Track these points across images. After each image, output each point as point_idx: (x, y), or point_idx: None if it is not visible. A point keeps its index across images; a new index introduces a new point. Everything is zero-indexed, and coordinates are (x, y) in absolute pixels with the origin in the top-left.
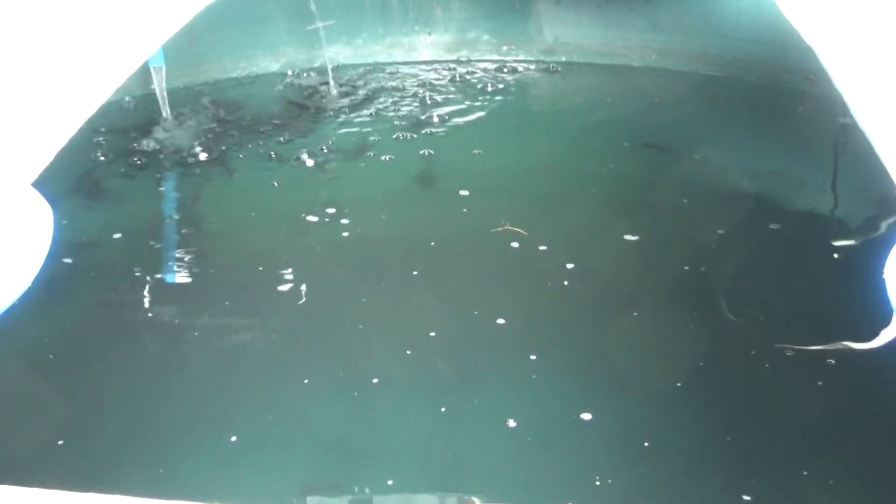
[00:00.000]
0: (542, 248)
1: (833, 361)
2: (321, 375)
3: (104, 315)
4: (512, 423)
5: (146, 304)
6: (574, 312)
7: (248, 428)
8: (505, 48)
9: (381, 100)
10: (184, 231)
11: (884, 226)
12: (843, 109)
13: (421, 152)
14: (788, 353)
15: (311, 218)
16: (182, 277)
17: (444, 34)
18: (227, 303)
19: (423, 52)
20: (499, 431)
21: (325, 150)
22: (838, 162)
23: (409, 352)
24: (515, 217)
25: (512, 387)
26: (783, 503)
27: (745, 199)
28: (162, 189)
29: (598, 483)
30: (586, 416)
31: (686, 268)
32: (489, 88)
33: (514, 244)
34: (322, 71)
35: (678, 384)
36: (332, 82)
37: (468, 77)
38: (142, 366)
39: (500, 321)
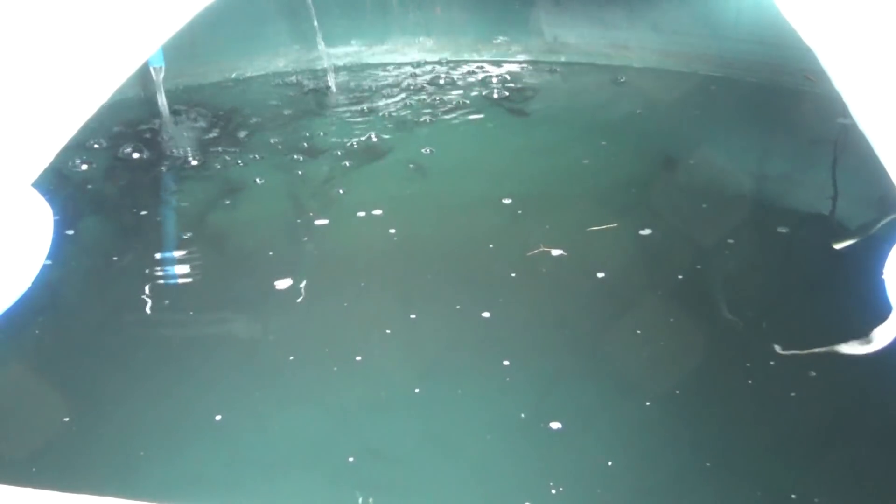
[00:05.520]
0: (549, 248)
1: (830, 362)
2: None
3: (104, 315)
4: (503, 422)
5: (146, 303)
6: (574, 313)
7: (249, 427)
8: (505, 48)
9: (382, 99)
10: (183, 229)
11: (884, 226)
12: (843, 110)
13: (422, 150)
14: (785, 355)
15: (319, 221)
16: (182, 276)
17: (445, 34)
18: (228, 302)
19: (423, 52)
20: (485, 430)
21: (325, 150)
22: (838, 162)
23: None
24: (511, 215)
25: (495, 388)
26: None
27: (745, 200)
28: (161, 188)
29: (594, 484)
30: (581, 418)
31: (686, 268)
32: (489, 88)
33: (524, 244)
34: (322, 71)
35: (678, 384)
36: (332, 82)
37: (469, 77)
38: (141, 365)
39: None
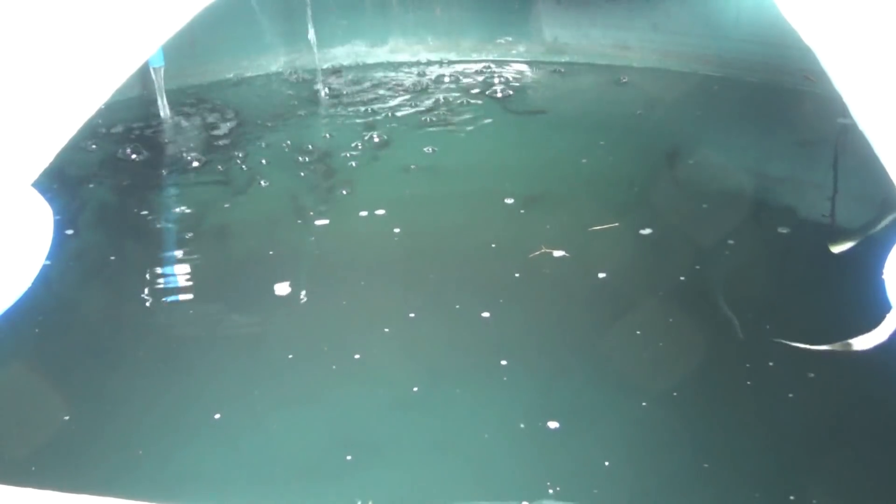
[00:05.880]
0: (550, 249)
1: (829, 363)
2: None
3: (104, 315)
4: (501, 421)
5: (146, 303)
6: (574, 312)
7: (248, 426)
8: (506, 49)
9: (384, 100)
10: (184, 229)
11: (884, 226)
12: (843, 110)
13: (425, 150)
14: (784, 356)
15: (321, 222)
16: (182, 276)
17: (446, 35)
18: (228, 302)
19: (424, 52)
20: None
21: (327, 151)
22: (838, 162)
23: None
24: (513, 214)
25: (493, 388)
26: None
27: (744, 200)
28: (161, 189)
29: (591, 484)
30: (579, 418)
31: (687, 268)
32: (490, 89)
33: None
34: (322, 71)
35: (677, 385)
36: (332, 82)
37: (471, 77)
38: (141, 365)
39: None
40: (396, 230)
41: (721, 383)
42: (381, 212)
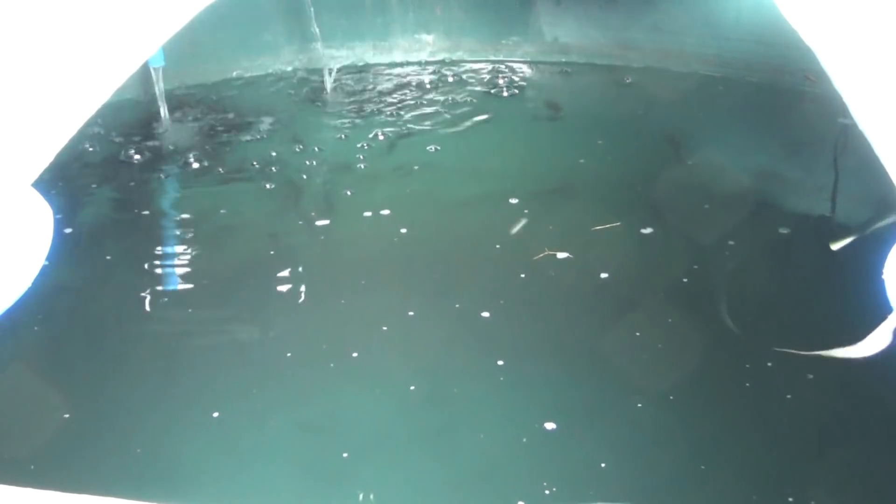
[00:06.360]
0: (554, 251)
1: (828, 364)
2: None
3: (104, 315)
4: (497, 421)
5: (146, 303)
6: (577, 313)
7: (246, 425)
8: (505, 49)
9: (387, 99)
10: (184, 229)
11: (884, 226)
12: (843, 110)
13: (428, 149)
14: (784, 357)
15: (324, 222)
16: (183, 275)
17: (445, 34)
18: (228, 302)
19: (426, 52)
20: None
21: (329, 150)
22: (838, 162)
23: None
24: (517, 214)
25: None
26: None
27: (744, 200)
28: (161, 189)
29: (588, 485)
30: (576, 418)
31: (687, 269)
32: (490, 89)
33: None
34: (322, 71)
35: (676, 386)
36: (333, 82)
37: (468, 77)
38: (140, 364)
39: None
40: (403, 230)
41: (720, 384)
42: (385, 212)
